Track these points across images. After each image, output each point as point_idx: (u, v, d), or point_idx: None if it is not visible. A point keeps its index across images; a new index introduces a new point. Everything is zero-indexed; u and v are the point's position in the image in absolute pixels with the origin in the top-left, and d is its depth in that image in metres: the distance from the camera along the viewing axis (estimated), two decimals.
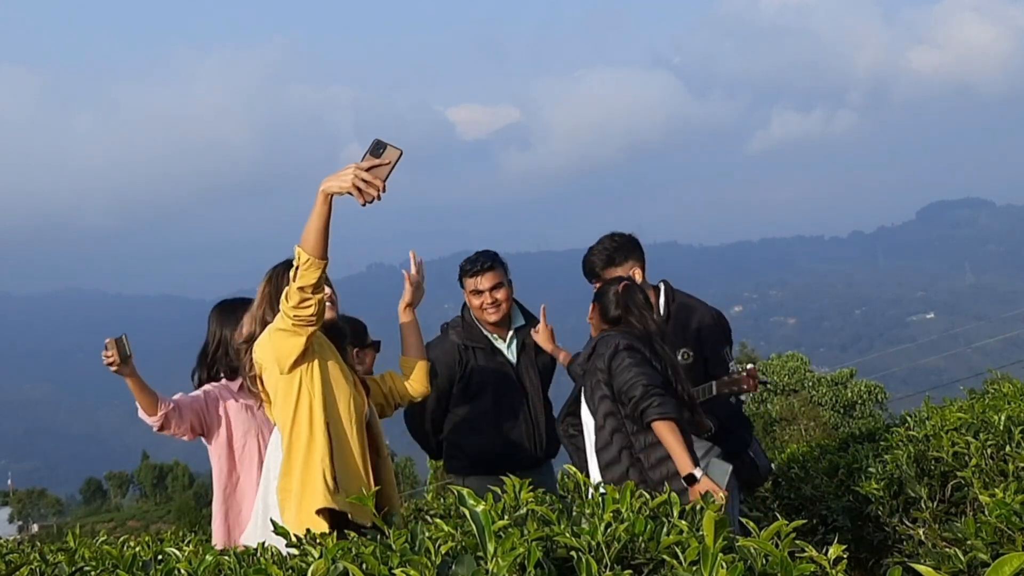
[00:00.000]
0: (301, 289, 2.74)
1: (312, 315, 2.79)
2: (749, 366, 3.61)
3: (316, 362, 2.94)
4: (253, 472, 3.59)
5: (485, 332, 4.20)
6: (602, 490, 2.02)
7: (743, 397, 3.65)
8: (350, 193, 2.64)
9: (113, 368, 3.50)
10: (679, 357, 3.70)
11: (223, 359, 3.68)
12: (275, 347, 2.88)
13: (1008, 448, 3.18)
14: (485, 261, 4.11)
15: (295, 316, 2.79)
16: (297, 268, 2.73)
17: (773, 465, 4.74)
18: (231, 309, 3.71)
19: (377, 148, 2.67)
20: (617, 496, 1.91)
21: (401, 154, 2.65)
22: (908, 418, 4.36)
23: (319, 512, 2.82)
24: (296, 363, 2.89)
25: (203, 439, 3.70)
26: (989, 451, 3.18)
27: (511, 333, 4.22)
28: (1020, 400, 4.10)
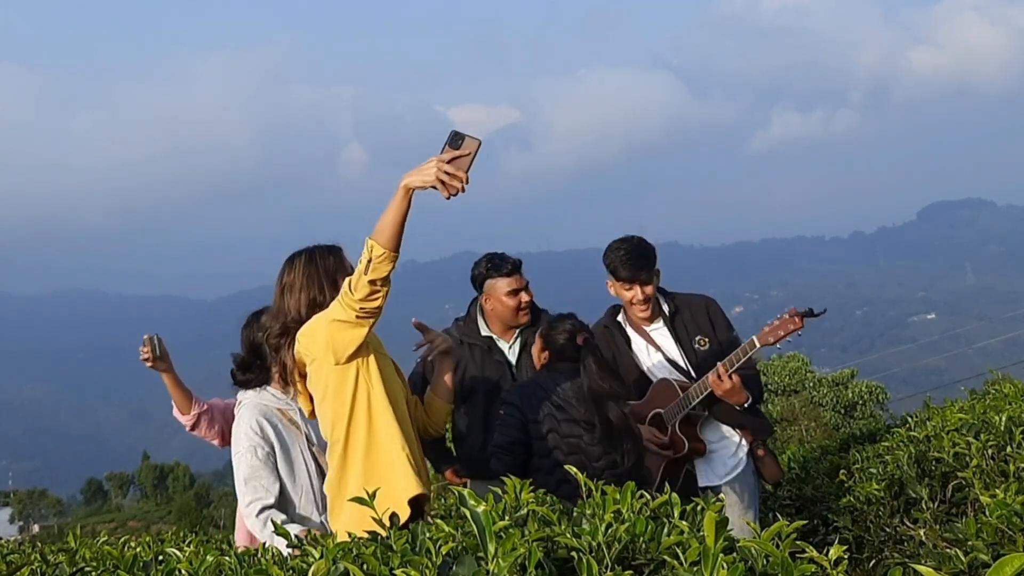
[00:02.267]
0: (372, 282, 2.70)
1: (378, 308, 2.77)
2: (789, 307, 3.44)
3: (372, 355, 2.93)
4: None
5: (488, 332, 4.08)
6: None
7: (785, 342, 3.39)
8: (434, 187, 2.58)
9: (148, 365, 3.65)
10: (695, 345, 3.75)
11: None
12: (333, 338, 2.84)
13: (1009, 449, 3.17)
14: (516, 261, 4.01)
15: (361, 308, 2.75)
16: (370, 261, 2.67)
17: None
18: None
19: (455, 139, 2.60)
20: (618, 497, 1.91)
21: (480, 144, 2.57)
22: (909, 419, 4.35)
23: (411, 500, 2.82)
24: (353, 355, 2.87)
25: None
26: (990, 452, 3.18)
27: (516, 332, 4.09)
28: (1021, 401, 4.09)
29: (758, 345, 3.46)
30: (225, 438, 3.71)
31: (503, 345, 4.09)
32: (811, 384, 18.00)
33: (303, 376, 3.04)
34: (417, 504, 2.87)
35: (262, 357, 3.33)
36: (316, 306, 2.99)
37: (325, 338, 2.86)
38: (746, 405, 3.63)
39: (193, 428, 3.76)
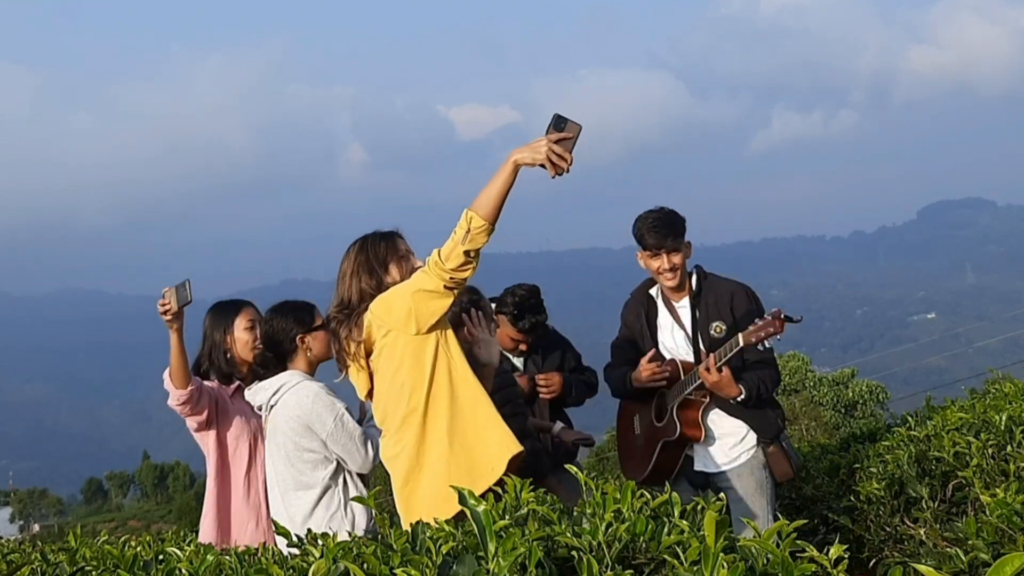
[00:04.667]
0: (467, 253, 2.73)
1: (466, 279, 2.82)
2: (774, 309, 3.51)
3: (450, 328, 2.96)
4: (240, 474, 3.66)
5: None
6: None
7: (767, 344, 3.48)
8: (542, 166, 2.65)
9: (167, 317, 3.47)
10: (712, 331, 3.72)
11: (217, 362, 3.69)
12: (417, 307, 2.85)
13: (1009, 448, 3.17)
14: (535, 323, 4.23)
15: (451, 278, 2.77)
16: (468, 232, 2.71)
17: None
18: (223, 312, 3.73)
19: (559, 122, 2.67)
20: (618, 496, 1.91)
21: (581, 128, 2.65)
22: (909, 418, 4.35)
23: (513, 459, 2.82)
24: (434, 325, 2.88)
25: (196, 435, 3.69)
26: (990, 451, 3.17)
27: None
28: (1021, 400, 4.09)
29: (741, 343, 3.51)
30: (209, 423, 3.59)
31: (509, 355, 4.31)
32: (811, 383, 18.02)
33: (368, 354, 3.03)
34: (512, 464, 2.85)
35: (280, 348, 3.42)
36: (368, 291, 3.02)
37: (407, 308, 2.87)
38: (740, 399, 3.60)
39: (184, 404, 3.52)
